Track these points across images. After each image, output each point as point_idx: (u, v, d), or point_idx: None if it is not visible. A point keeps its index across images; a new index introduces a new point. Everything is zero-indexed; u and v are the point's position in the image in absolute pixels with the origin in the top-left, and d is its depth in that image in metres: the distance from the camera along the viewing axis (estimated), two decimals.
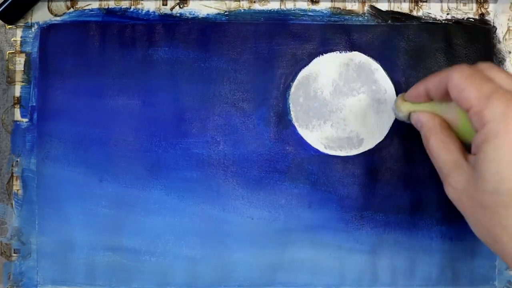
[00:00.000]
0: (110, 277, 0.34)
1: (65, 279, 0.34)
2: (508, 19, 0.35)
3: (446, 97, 0.27)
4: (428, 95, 0.28)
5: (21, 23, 0.35)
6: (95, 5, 0.35)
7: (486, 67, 0.26)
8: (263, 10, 0.35)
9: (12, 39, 0.35)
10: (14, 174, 0.34)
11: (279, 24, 0.35)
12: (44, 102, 0.35)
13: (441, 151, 0.27)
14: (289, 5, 0.35)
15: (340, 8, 0.35)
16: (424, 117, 0.28)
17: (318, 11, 0.35)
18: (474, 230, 0.26)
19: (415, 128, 0.30)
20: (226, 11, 0.35)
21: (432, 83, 0.27)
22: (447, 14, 0.35)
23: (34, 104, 0.35)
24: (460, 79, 0.25)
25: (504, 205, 0.23)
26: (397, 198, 0.34)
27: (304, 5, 0.35)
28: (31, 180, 0.34)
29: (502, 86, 0.25)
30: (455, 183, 0.26)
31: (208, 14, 0.35)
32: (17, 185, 0.34)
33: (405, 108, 0.29)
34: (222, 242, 0.34)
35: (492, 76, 0.26)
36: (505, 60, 0.35)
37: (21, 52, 0.35)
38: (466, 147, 0.27)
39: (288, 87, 0.35)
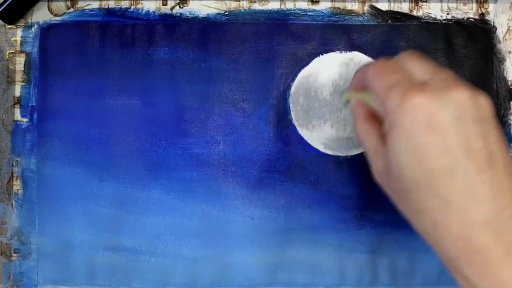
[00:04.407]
0: (110, 277, 0.34)
1: (65, 279, 0.34)
2: (508, 19, 0.35)
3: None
4: (362, 84, 0.29)
5: (21, 23, 0.35)
6: (95, 5, 0.35)
7: (403, 57, 0.27)
8: (263, 10, 0.35)
9: (12, 39, 0.35)
10: (14, 174, 0.34)
11: (279, 24, 0.35)
12: (44, 102, 0.35)
13: (364, 138, 0.28)
14: (289, 5, 0.35)
15: (340, 8, 0.35)
16: (354, 106, 0.29)
17: (318, 11, 0.35)
18: (399, 209, 0.27)
19: None
20: (226, 11, 0.35)
21: (360, 74, 0.28)
22: (447, 14, 0.35)
23: (34, 104, 0.35)
24: (372, 71, 0.26)
25: (408, 190, 0.24)
26: None
27: (304, 5, 0.35)
28: (31, 180, 0.34)
29: (414, 75, 0.25)
30: (375, 168, 0.27)
31: (208, 14, 0.35)
32: (17, 185, 0.34)
33: (344, 96, 0.30)
34: (222, 242, 0.34)
35: (407, 66, 0.26)
36: (505, 60, 0.35)
37: (21, 52, 0.35)
38: None
39: (288, 87, 0.35)
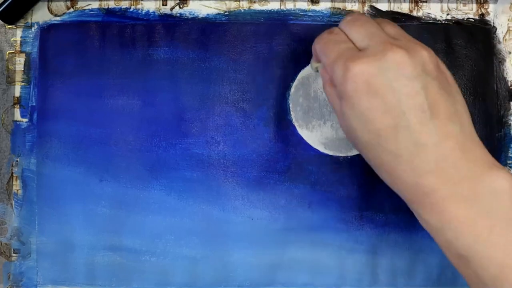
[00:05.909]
0: (110, 277, 0.34)
1: (65, 279, 0.34)
2: (508, 19, 0.35)
3: None
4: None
5: (21, 23, 0.35)
6: (95, 5, 0.35)
7: (345, 23, 0.28)
8: (263, 10, 0.35)
9: (12, 39, 0.35)
10: (14, 174, 0.34)
11: (279, 24, 0.35)
12: (44, 102, 0.35)
13: (331, 101, 0.29)
14: (289, 5, 0.35)
15: (340, 8, 0.35)
16: (321, 72, 0.30)
17: (318, 11, 0.35)
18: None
19: None
20: (226, 11, 0.35)
21: (313, 48, 0.30)
22: (447, 14, 0.35)
23: (34, 104, 0.35)
24: (319, 47, 0.28)
25: (364, 150, 0.27)
26: (397, 198, 0.34)
27: (304, 5, 0.35)
28: (31, 180, 0.34)
29: (356, 42, 0.27)
30: (343, 127, 0.29)
31: (208, 14, 0.35)
32: (17, 185, 0.34)
33: (313, 65, 0.31)
34: (222, 242, 0.34)
35: (348, 34, 0.28)
36: (505, 61, 0.35)
37: (21, 52, 0.35)
38: None
39: (288, 87, 0.35)
